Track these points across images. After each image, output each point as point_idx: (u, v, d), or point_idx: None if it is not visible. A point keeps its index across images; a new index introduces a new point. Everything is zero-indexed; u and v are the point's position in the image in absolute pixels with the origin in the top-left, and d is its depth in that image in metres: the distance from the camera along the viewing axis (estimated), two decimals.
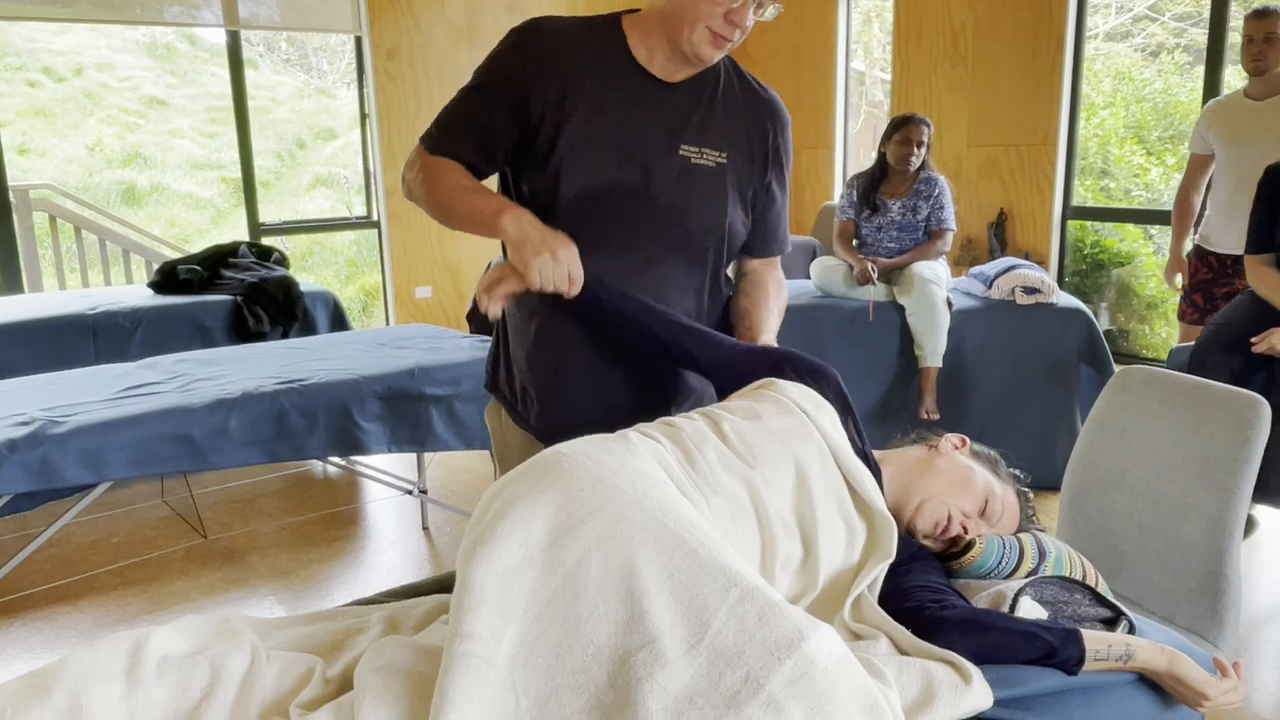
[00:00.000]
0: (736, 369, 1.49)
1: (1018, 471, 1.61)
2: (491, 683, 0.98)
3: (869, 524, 1.34)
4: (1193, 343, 3.16)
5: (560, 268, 1.41)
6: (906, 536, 1.43)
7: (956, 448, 1.57)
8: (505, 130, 1.53)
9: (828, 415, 1.37)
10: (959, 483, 1.49)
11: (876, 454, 1.48)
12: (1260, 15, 3.50)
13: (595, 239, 1.51)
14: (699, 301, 1.65)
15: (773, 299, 1.68)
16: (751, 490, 1.25)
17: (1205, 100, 4.54)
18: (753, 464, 1.27)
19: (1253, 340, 2.88)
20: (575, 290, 1.44)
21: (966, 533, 1.44)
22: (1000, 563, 1.43)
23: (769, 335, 1.62)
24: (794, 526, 1.28)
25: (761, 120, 1.64)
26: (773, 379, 1.43)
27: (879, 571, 1.30)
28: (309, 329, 4.51)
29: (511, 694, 0.99)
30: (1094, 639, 1.24)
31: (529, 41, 1.53)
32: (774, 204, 1.70)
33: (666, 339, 1.52)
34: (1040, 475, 2.94)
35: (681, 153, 1.55)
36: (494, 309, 1.44)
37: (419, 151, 1.57)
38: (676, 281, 1.60)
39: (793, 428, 1.33)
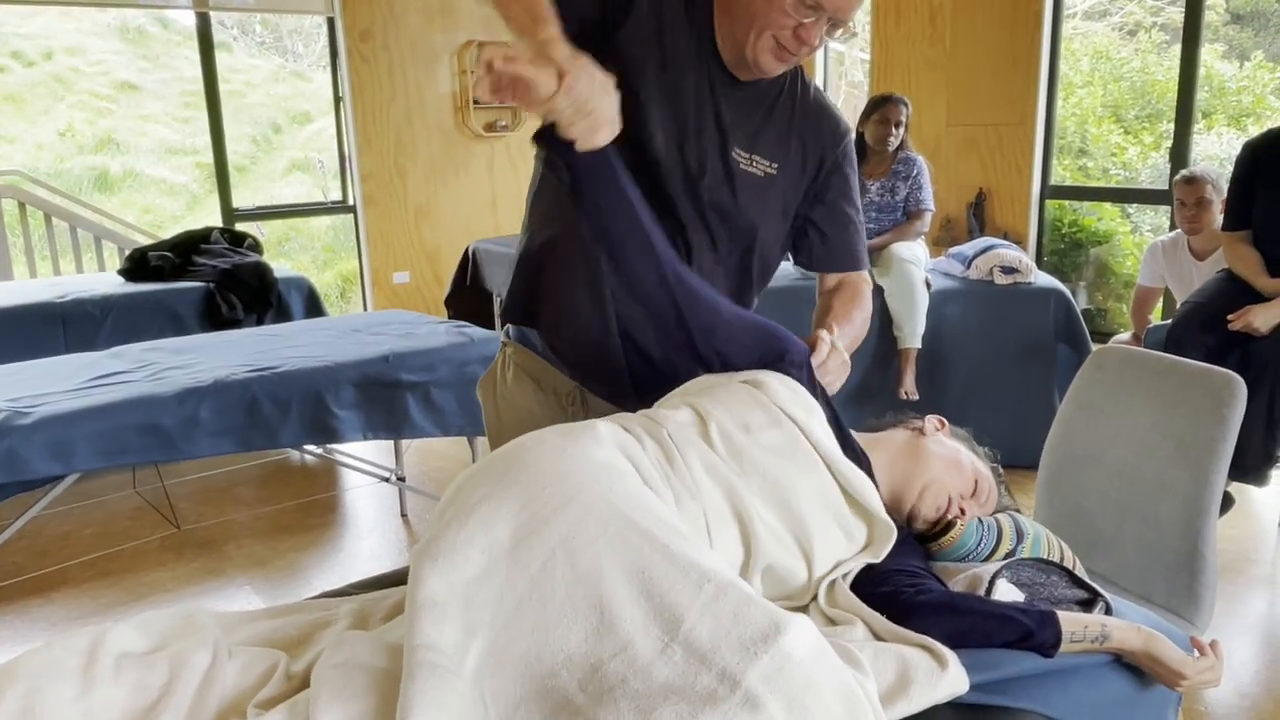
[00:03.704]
0: (724, 341, 1.38)
1: (987, 449, 1.61)
2: (459, 691, 0.96)
3: (869, 529, 1.32)
4: (1169, 321, 3.17)
5: (603, 108, 1.17)
6: (901, 524, 1.42)
7: (938, 429, 1.56)
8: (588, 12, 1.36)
9: (818, 420, 1.32)
10: (953, 465, 1.48)
11: (861, 439, 1.46)
12: (1189, 181, 3.54)
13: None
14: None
15: (852, 307, 1.61)
16: (734, 497, 1.21)
17: (1182, 79, 4.54)
18: (739, 471, 1.23)
19: (1229, 318, 2.89)
20: (598, 141, 1.18)
21: (964, 514, 1.44)
22: (979, 544, 1.42)
23: (844, 328, 1.55)
24: (788, 539, 1.24)
25: (819, 136, 1.56)
26: (760, 378, 1.34)
27: (859, 565, 1.28)
28: (284, 316, 4.46)
29: (480, 703, 0.97)
30: (1070, 620, 1.23)
31: None
32: (841, 220, 1.61)
33: (660, 277, 1.32)
34: (1018, 454, 2.95)
35: (733, 155, 1.48)
36: (483, 89, 1.12)
37: None
38: (705, 275, 1.51)
39: (784, 443, 1.27)
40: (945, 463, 1.48)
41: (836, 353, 1.45)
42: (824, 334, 1.46)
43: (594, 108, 1.16)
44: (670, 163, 1.45)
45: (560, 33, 1.17)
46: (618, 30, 1.41)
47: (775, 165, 1.51)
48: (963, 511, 1.45)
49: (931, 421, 1.56)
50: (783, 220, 1.58)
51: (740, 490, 1.21)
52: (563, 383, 1.59)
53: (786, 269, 4.07)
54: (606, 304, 1.51)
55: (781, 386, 1.33)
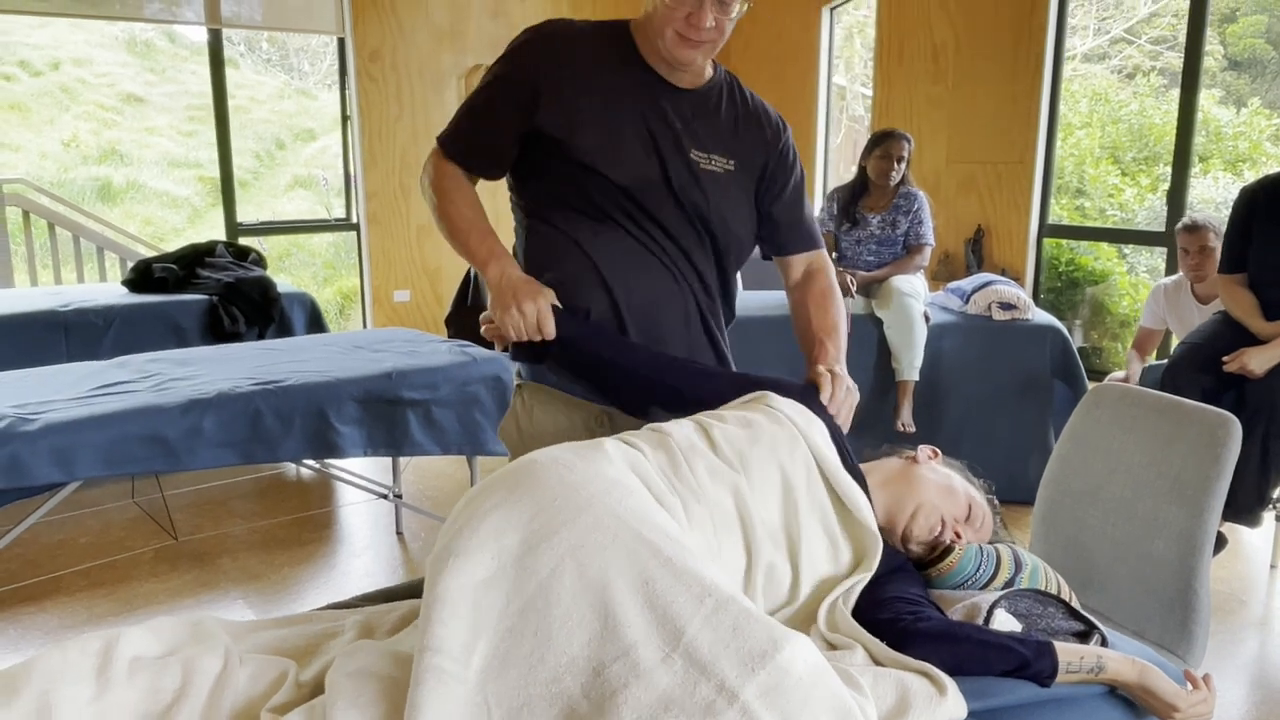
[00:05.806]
0: (724, 401, 1.52)
1: (983, 480, 1.64)
2: (462, 698, 0.98)
3: (855, 540, 1.36)
4: (1166, 361, 3.20)
5: (528, 320, 1.52)
6: (893, 548, 1.44)
7: (930, 458, 1.59)
8: (516, 128, 1.60)
9: (819, 430, 1.39)
10: (945, 489, 1.52)
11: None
12: (1190, 230, 3.57)
13: (630, 225, 1.59)
14: (710, 297, 1.71)
15: (828, 304, 1.75)
16: (738, 498, 1.26)
17: (1180, 123, 4.61)
18: (739, 470, 1.29)
19: (1224, 359, 2.92)
20: (547, 336, 1.53)
21: (960, 538, 1.47)
22: (978, 571, 1.45)
23: (834, 339, 1.69)
24: (780, 537, 1.29)
25: (761, 130, 1.73)
26: (766, 392, 1.45)
27: (856, 584, 1.30)
28: (285, 330, 4.47)
29: (484, 707, 0.99)
30: (1066, 651, 1.25)
31: (542, 40, 1.59)
32: (794, 205, 1.77)
33: (651, 377, 1.56)
34: (1014, 489, 2.98)
35: (692, 156, 1.62)
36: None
37: (435, 154, 1.66)
38: (695, 275, 1.67)
39: (781, 438, 1.35)
40: (937, 487, 1.52)
41: (840, 381, 1.55)
42: (822, 369, 1.58)
43: (530, 320, 1.53)
44: (638, 179, 1.58)
45: (492, 259, 1.61)
46: (535, 114, 1.58)
47: (732, 162, 1.66)
48: (958, 535, 1.47)
49: (925, 450, 1.61)
50: (748, 211, 1.72)
51: (743, 490, 1.27)
52: (588, 409, 1.67)
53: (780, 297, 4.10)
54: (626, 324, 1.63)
55: (784, 399, 1.43)
